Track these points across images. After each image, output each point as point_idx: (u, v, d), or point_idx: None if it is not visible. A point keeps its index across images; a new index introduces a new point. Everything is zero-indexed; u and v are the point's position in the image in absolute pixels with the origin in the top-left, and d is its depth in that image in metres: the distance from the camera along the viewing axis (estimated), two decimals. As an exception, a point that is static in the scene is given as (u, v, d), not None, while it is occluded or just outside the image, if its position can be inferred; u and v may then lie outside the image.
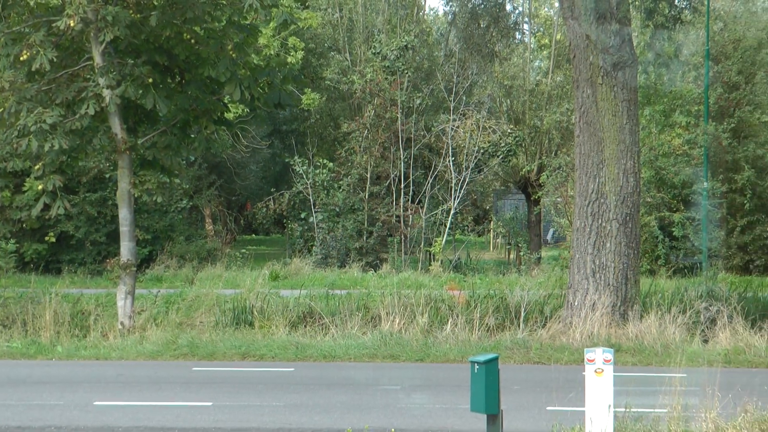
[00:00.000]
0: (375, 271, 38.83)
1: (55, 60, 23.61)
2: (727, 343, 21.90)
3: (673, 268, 36.61)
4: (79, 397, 17.51)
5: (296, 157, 44.07)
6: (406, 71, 44.08)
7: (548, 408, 15.38)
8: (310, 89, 46.26)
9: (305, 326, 24.57)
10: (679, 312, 23.00)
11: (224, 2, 24.91)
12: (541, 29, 55.89)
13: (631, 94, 23.66)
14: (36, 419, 15.58)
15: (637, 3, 26.34)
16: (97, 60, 24.08)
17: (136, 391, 18.25)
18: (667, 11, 27.20)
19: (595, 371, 12.78)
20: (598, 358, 12.74)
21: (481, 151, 43.22)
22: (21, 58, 23.71)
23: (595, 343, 21.03)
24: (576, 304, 23.47)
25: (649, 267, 36.90)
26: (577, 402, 13.73)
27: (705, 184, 35.82)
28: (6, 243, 32.86)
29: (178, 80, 26.07)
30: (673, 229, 38.02)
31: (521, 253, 44.28)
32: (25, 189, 26.37)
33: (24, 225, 25.20)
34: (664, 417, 13.19)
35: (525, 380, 18.92)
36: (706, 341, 22.42)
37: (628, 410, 13.25)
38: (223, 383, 18.96)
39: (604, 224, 23.42)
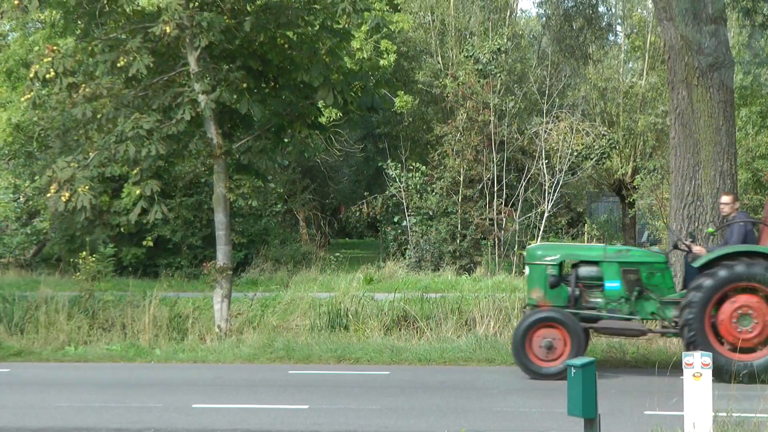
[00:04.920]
0: (469, 275, 38.79)
1: (151, 66, 23.83)
2: (831, 347, 21.44)
3: (771, 271, 36.00)
4: (178, 400, 17.71)
5: (389, 161, 44.18)
6: (498, 74, 44.01)
7: (646, 412, 15.22)
8: (402, 92, 46.32)
9: (400, 329, 24.60)
10: (780, 315, 22.57)
11: (317, 7, 25.03)
12: (635, 30, 55.34)
13: (727, 95, 23.35)
14: (135, 421, 15.79)
15: (733, 3, 26.00)
16: (192, 65, 24.33)
17: (234, 393, 18.42)
18: (766, 10, 26.76)
19: (693, 375, 12.63)
20: (697, 362, 12.58)
21: (575, 153, 42.92)
22: (118, 65, 23.98)
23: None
24: (673, 307, 23.16)
25: (747, 270, 36.34)
26: (676, 407, 13.54)
27: (804, 185, 35.23)
28: (105, 247, 33.37)
29: (272, 85, 26.23)
30: (772, 232, 37.44)
31: (616, 256, 43.89)
32: (123, 195, 26.73)
33: (122, 229, 25.54)
34: (766, 422, 12.98)
35: (622, 384, 18.74)
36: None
37: (728, 415, 13.03)
38: (319, 386, 19.04)
39: (700, 227, 23.14)
